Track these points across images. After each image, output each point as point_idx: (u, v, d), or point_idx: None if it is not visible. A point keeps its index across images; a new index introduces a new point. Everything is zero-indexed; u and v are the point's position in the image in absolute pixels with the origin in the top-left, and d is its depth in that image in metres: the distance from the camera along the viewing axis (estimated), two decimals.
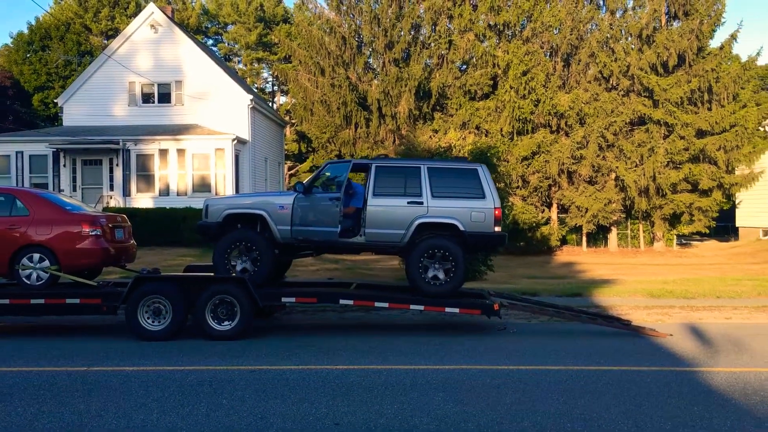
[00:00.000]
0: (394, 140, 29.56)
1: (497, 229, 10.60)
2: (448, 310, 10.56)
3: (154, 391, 7.07)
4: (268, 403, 6.64)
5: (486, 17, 29.24)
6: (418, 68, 28.59)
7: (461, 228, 10.48)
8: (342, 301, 10.75)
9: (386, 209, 10.62)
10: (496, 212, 10.56)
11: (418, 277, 10.53)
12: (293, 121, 46.68)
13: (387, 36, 29.27)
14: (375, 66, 31.80)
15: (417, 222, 10.51)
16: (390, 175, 10.85)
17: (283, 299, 10.54)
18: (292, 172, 55.72)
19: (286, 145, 46.62)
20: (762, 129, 31.15)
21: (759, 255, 25.97)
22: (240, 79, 37.56)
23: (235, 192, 26.59)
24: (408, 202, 10.58)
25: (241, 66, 58.80)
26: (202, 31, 57.01)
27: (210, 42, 58.61)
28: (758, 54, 34.45)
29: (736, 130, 27.40)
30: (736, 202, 32.98)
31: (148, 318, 9.98)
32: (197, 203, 24.65)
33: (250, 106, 28.48)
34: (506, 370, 8.03)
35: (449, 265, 10.48)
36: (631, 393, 7.02)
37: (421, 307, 10.64)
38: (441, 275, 10.51)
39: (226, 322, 9.98)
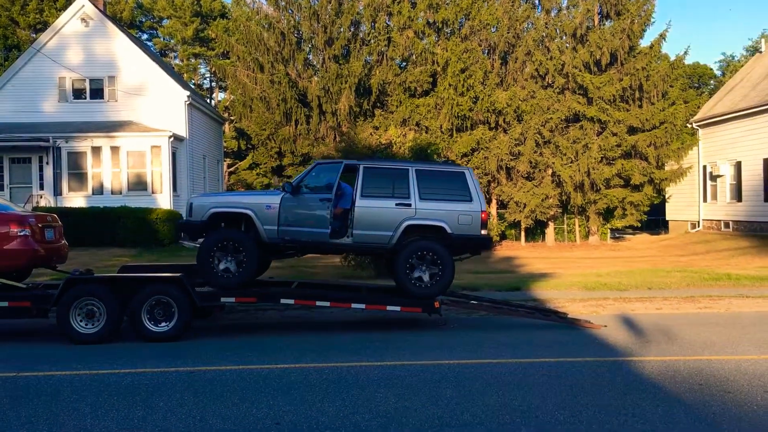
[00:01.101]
0: (335, 137, 29.49)
1: (484, 232, 10.70)
2: (389, 308, 10.59)
3: (88, 395, 6.87)
4: (207, 404, 6.54)
5: (425, 15, 29.45)
6: (358, 65, 28.58)
7: (449, 230, 10.53)
8: (283, 301, 10.67)
9: (374, 211, 10.55)
10: (483, 215, 10.66)
11: (405, 278, 10.50)
12: (232, 117, 46.01)
13: (327, 32, 29.16)
14: (315, 62, 31.64)
15: (405, 224, 10.50)
16: (378, 176, 10.80)
17: (223, 299, 10.37)
18: (231, 169, 54.94)
19: (225, 142, 45.93)
20: (689, 126, 32.36)
21: (687, 248, 26.97)
22: (176, 75, 36.79)
23: (172, 190, 26.05)
24: (396, 204, 10.56)
25: (177, 62, 57.58)
26: (136, 25, 55.53)
27: (145, 37, 57.19)
28: (686, 53, 35.74)
29: (666, 127, 28.37)
30: (666, 197, 34.14)
31: (81, 321, 9.68)
32: (133, 202, 24.07)
33: (187, 102, 27.92)
34: (447, 365, 8.11)
35: (436, 267, 10.51)
36: (567, 384, 7.19)
37: (363, 306, 10.66)
38: (428, 277, 10.53)
39: (163, 324, 9.77)
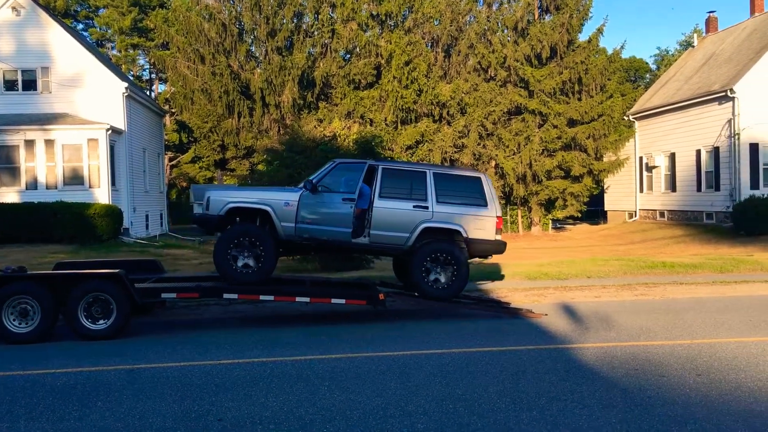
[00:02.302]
0: (279, 130, 29.24)
1: (498, 237, 10.85)
2: (334, 301, 10.56)
3: (21, 397, 6.64)
4: (148, 402, 6.40)
5: (368, 7, 29.43)
6: (302, 57, 28.38)
7: (464, 234, 10.68)
8: (226, 296, 10.51)
9: (392, 212, 10.60)
10: (498, 221, 10.84)
11: (421, 279, 10.60)
12: (173, 110, 45.05)
13: (269, 24, 28.84)
14: (257, 54, 31.28)
15: (422, 226, 10.56)
16: (396, 178, 10.81)
17: (163, 295, 10.18)
18: (173, 163, 53.86)
19: (166, 135, 44.90)
20: (626, 118, 33.25)
21: (625, 237, 27.75)
22: (114, 66, 35.77)
23: (111, 185, 25.37)
24: (413, 206, 10.62)
25: (115, 52, 56.02)
26: (71, 14, 53.76)
27: (80, 27, 55.41)
28: (622, 47, 36.63)
29: (604, 120, 29.10)
30: (605, 188, 35.04)
31: (14, 320, 9.34)
32: (69, 197, 23.32)
33: (126, 94, 27.18)
34: (392, 357, 8.14)
35: (452, 269, 10.61)
36: (509, 372, 7.31)
37: (307, 299, 10.60)
38: (443, 279, 10.62)
39: (101, 321, 9.52)
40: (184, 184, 55.70)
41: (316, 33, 29.67)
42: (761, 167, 26.52)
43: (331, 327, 10.49)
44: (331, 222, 10.52)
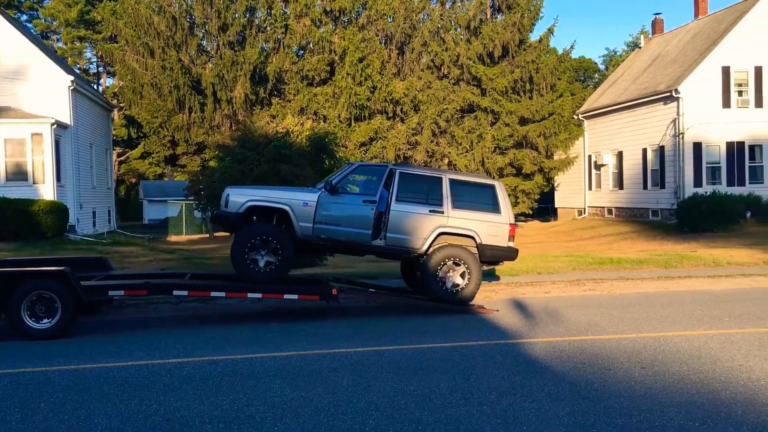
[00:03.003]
0: (231, 125, 28.84)
1: (510, 244, 11.04)
2: (286, 296, 10.50)
3: None
4: (93, 403, 6.25)
5: (322, 3, 29.30)
6: (254, 52, 28.08)
7: (478, 240, 10.82)
8: (176, 292, 10.34)
9: (409, 215, 10.72)
10: (511, 228, 11.03)
11: (435, 283, 10.69)
12: (121, 104, 44.07)
13: (221, 18, 28.44)
14: (209, 49, 30.83)
15: (438, 230, 10.70)
16: (413, 182, 10.95)
17: (111, 293, 9.95)
18: (122, 158, 52.73)
19: (114, 130, 43.98)
20: (576, 117, 33.88)
21: (574, 233, 28.29)
22: (59, 59, 34.80)
23: (56, 181, 24.68)
24: (430, 211, 10.76)
25: (60, 45, 54.52)
26: (14, 5, 52.08)
27: (24, 18, 53.74)
28: (572, 47, 37.29)
29: (554, 118, 29.59)
30: (555, 185, 35.64)
31: None
32: (12, 193, 22.60)
33: (71, 87, 26.45)
34: (344, 353, 8.12)
35: (465, 274, 10.74)
36: (460, 368, 7.37)
37: (259, 295, 10.54)
38: (457, 283, 10.75)
39: (45, 320, 9.24)
40: (133, 180, 54.62)
41: (268, 28, 29.38)
42: (704, 166, 27.36)
43: (284, 324, 10.41)
44: (350, 223, 10.62)
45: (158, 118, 31.77)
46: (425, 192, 10.90)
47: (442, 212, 10.78)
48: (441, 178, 11.00)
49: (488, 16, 30.46)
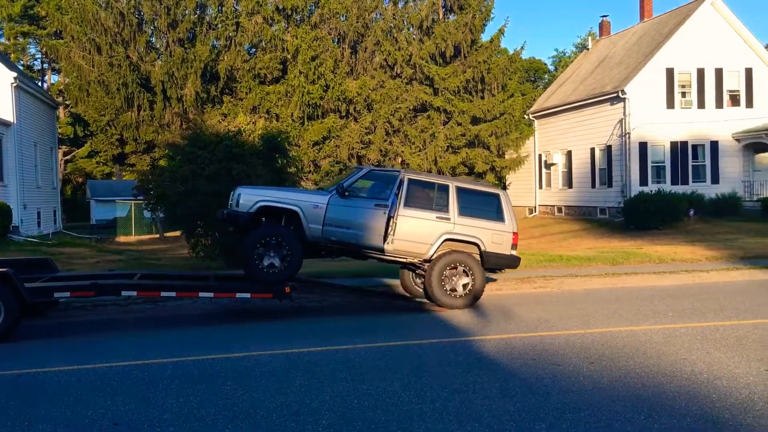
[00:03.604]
0: (182, 124, 28.39)
1: (514, 252, 11.25)
2: (239, 296, 10.40)
3: None
4: (37, 408, 6.07)
5: (274, 1, 29.05)
6: (205, 50, 27.69)
7: (483, 247, 11.01)
8: (124, 293, 10.12)
9: (416, 221, 10.87)
10: (514, 237, 11.26)
11: (439, 288, 10.80)
12: (67, 102, 42.98)
13: (170, 14, 27.95)
14: (158, 46, 30.26)
15: (444, 236, 10.87)
16: (420, 188, 11.10)
17: (56, 294, 9.68)
18: (68, 157, 51.39)
19: (60, 128, 42.82)
20: (527, 117, 34.40)
21: (525, 231, 28.68)
22: (2, 55, 33.73)
23: None
24: (436, 217, 10.93)
25: (3, 41, 52.81)
26: None
27: None
28: (522, 48, 37.81)
29: (505, 118, 29.98)
30: (507, 184, 36.06)
31: None
32: None
33: (14, 84, 25.67)
34: (297, 353, 8.08)
35: (469, 280, 10.87)
36: (414, 366, 7.41)
37: (211, 295, 10.42)
38: (460, 288, 10.87)
39: None
40: (80, 180, 53.31)
41: (219, 26, 28.99)
42: (649, 165, 28.09)
43: (237, 325, 10.31)
44: (362, 227, 10.74)
45: (106, 116, 31.03)
46: (432, 198, 11.11)
47: (449, 219, 10.97)
48: (448, 186, 11.21)
49: (440, 17, 30.67)
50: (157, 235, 31.22)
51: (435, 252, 10.93)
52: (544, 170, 34.38)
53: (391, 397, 6.27)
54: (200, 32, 28.63)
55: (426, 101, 29.34)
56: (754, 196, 27.92)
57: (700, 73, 28.53)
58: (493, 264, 11.32)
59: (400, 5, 30.91)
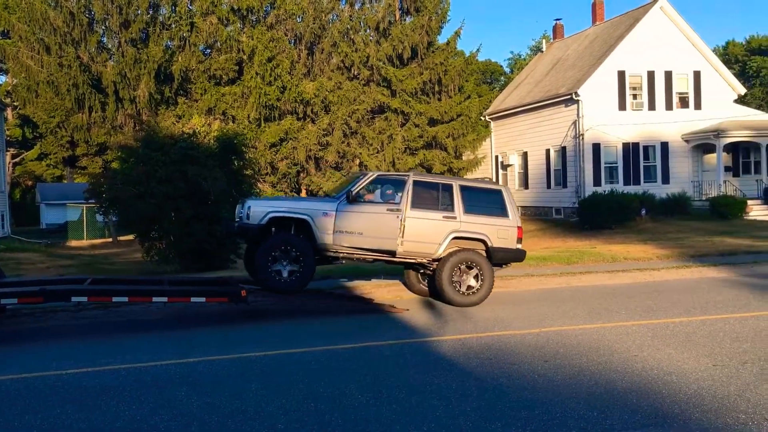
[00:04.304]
0: (135, 126, 27.91)
1: (519, 246, 11.51)
2: (193, 299, 10.25)
3: None
4: None
5: (229, 1, 28.76)
6: (159, 50, 27.27)
7: (489, 243, 11.24)
8: (74, 299, 9.87)
9: (424, 222, 11.05)
10: (519, 231, 11.53)
11: (450, 287, 10.98)
12: (15, 103, 41.81)
13: (122, 14, 27.45)
14: (110, 46, 29.69)
15: (452, 235, 11.07)
16: (426, 189, 11.29)
17: (3, 301, 9.41)
18: (16, 160, 50.04)
19: (7, 130, 41.64)
20: (483, 119, 34.72)
21: None
22: None
23: None
24: (443, 217, 11.12)
25: None
26: None
27: None
28: (478, 50, 38.13)
29: (462, 120, 30.23)
30: None
31: None
32: None
33: None
34: (253, 357, 8.00)
35: (479, 277, 11.09)
36: (371, 367, 7.40)
37: (165, 299, 10.22)
38: (470, 286, 11.08)
39: None
40: (30, 183, 51.93)
41: (173, 26, 28.57)
42: (603, 165, 28.64)
43: (192, 330, 10.15)
44: (374, 232, 10.91)
45: (56, 117, 30.31)
46: (437, 199, 11.30)
47: (455, 217, 11.17)
48: (452, 185, 11.41)
49: (397, 18, 30.76)
50: (110, 239, 30.59)
51: (443, 251, 11.13)
52: (500, 171, 34.74)
53: (347, 399, 6.25)
54: (153, 32, 28.17)
55: (383, 103, 29.40)
56: (703, 196, 28.71)
57: (651, 75, 29.20)
58: (501, 259, 11.59)
59: (356, 7, 30.92)
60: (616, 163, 28.97)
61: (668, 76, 29.38)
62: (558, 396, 6.21)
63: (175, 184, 14.90)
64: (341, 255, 11.23)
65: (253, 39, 27.53)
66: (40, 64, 27.53)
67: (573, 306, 11.02)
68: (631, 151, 28.96)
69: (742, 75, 55.01)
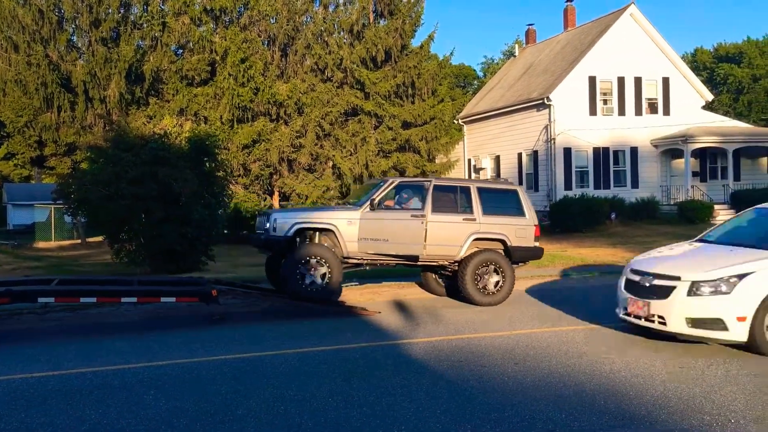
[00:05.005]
0: (105, 126, 27.52)
1: (536, 244, 11.88)
2: (163, 299, 10.18)
3: None
4: None
5: (202, 1, 28.54)
6: (130, 50, 26.94)
7: (509, 243, 11.59)
8: (41, 299, 9.73)
9: (445, 225, 11.38)
10: (536, 229, 11.89)
11: (474, 288, 11.26)
12: None
13: (93, 13, 27.07)
14: (80, 45, 29.25)
15: (473, 237, 11.40)
16: (445, 193, 11.61)
17: None
18: None
19: None
20: (456, 122, 34.90)
21: None
22: None
23: None
24: (463, 219, 11.46)
25: None
26: None
27: None
28: (452, 54, 38.37)
29: (436, 123, 30.33)
30: None
31: None
32: None
33: None
34: (222, 360, 7.94)
35: (500, 276, 11.37)
36: (342, 370, 7.39)
37: (134, 299, 10.11)
38: (492, 285, 11.34)
39: None
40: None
41: (145, 25, 28.25)
42: (574, 170, 28.95)
43: (161, 333, 10.02)
44: (399, 237, 11.21)
45: (23, 116, 29.78)
46: (457, 202, 11.63)
47: (474, 219, 11.50)
48: (470, 188, 11.75)
49: (371, 21, 30.77)
50: (79, 241, 30.12)
51: (465, 252, 11.41)
52: (473, 174, 34.93)
53: (318, 402, 6.24)
54: (125, 32, 27.84)
55: (357, 105, 29.39)
56: (671, 200, 29.17)
57: (621, 81, 29.61)
58: (520, 257, 11.90)
59: (330, 9, 30.88)
60: (587, 168, 29.30)
61: (638, 82, 29.81)
62: (527, 398, 6.26)
63: (146, 185, 14.72)
64: (365, 261, 11.53)
65: (226, 40, 27.34)
66: (8, 62, 27.06)
67: (543, 309, 11.12)
68: (601, 155, 29.31)
69: (709, 82, 56.02)
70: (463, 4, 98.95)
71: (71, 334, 10.07)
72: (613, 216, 26.84)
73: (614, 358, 7.65)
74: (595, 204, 26.04)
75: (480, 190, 11.76)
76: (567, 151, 28.81)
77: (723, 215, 27.45)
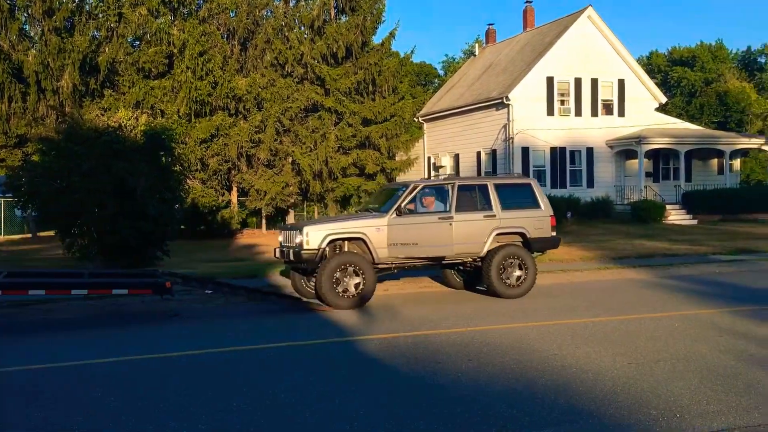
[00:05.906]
0: (57, 118, 26.85)
1: (553, 233, 12.32)
2: (115, 291, 10.09)
3: None
4: None
5: None
6: (84, 40, 26.32)
7: (528, 235, 11.98)
8: None
9: (469, 223, 11.69)
10: (552, 219, 12.28)
11: (499, 282, 11.58)
12: None
13: (46, 1, 26.34)
14: (32, 34, 28.41)
15: (495, 233, 11.76)
16: (465, 192, 11.91)
17: None
18: None
19: None
20: (417, 120, 35.03)
21: None
22: None
23: None
24: (484, 216, 11.79)
25: None
26: None
27: None
28: (413, 52, 38.50)
29: (396, 120, 30.38)
30: None
31: None
32: None
33: None
34: (176, 357, 7.85)
35: (523, 269, 11.72)
36: (297, 367, 7.37)
37: (85, 292, 9.97)
38: (515, 278, 11.68)
39: None
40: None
41: (101, 15, 27.62)
42: (531, 169, 29.31)
43: (113, 329, 9.85)
44: (428, 240, 11.50)
45: None
46: (476, 199, 11.95)
47: (494, 215, 11.86)
48: (486, 185, 12.10)
49: (332, 17, 30.66)
50: (29, 235, 29.38)
51: (488, 248, 11.73)
52: (433, 172, 35.12)
53: (272, 399, 6.21)
54: (79, 21, 27.18)
55: (317, 101, 29.27)
56: (625, 200, 29.78)
57: (578, 82, 30.09)
58: (539, 248, 12.36)
59: (291, 4, 30.66)
60: (544, 167, 29.70)
61: (594, 83, 30.33)
62: (480, 394, 6.33)
63: (99, 179, 14.43)
64: (395, 265, 11.75)
65: (184, 32, 26.92)
66: None
67: (499, 306, 11.24)
68: (558, 155, 29.76)
69: (664, 84, 57.29)
70: (425, 3, 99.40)
71: (19, 331, 9.86)
72: (568, 215, 27.26)
73: (565, 354, 7.77)
74: (551, 203, 26.33)
75: (496, 186, 12.12)
76: (525, 151, 29.16)
77: (674, 215, 28.16)
